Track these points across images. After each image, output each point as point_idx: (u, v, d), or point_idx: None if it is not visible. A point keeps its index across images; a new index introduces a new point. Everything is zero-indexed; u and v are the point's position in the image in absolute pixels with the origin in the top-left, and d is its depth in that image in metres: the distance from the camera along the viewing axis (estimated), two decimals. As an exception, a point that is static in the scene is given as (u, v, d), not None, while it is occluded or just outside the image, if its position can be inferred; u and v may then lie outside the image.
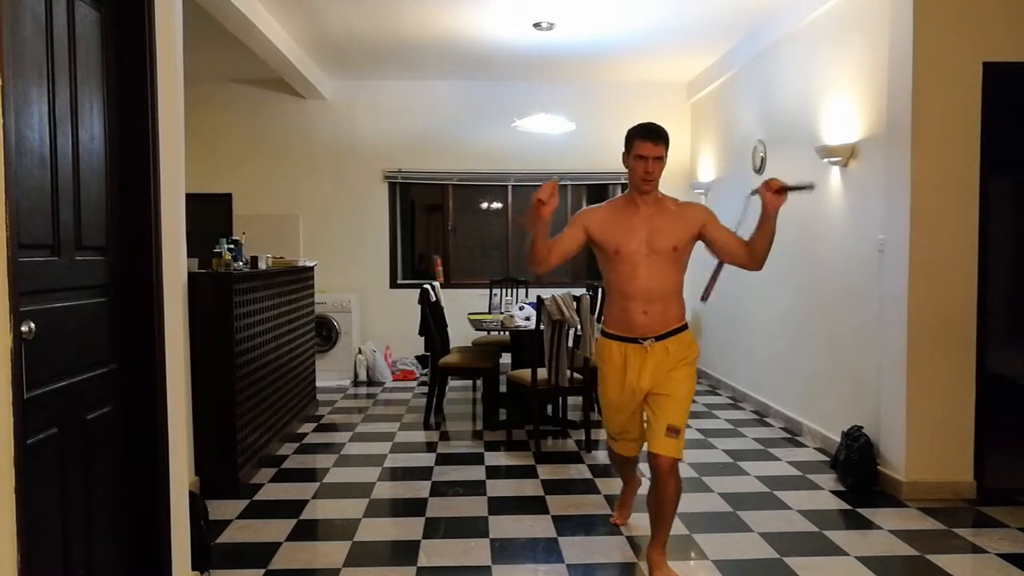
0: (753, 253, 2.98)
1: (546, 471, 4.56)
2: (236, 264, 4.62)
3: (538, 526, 3.61)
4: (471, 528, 3.65)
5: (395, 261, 8.21)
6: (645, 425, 3.16)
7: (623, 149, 3.06)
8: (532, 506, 3.94)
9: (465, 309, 7.19)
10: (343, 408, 6.41)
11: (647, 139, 3.00)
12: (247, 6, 5.10)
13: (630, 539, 3.50)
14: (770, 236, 2.93)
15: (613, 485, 4.28)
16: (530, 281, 7.41)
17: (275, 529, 3.64)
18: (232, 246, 4.67)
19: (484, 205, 8.43)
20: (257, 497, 4.12)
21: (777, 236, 2.94)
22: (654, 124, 3.05)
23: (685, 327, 3.09)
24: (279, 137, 7.95)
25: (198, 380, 4.05)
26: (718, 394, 6.88)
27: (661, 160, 3.00)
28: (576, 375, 5.08)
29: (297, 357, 5.64)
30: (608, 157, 7.43)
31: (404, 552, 3.38)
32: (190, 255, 3.98)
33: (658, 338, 3.02)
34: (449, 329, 6.35)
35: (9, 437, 1.78)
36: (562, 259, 3.07)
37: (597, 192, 8.24)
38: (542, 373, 4.94)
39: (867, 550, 3.38)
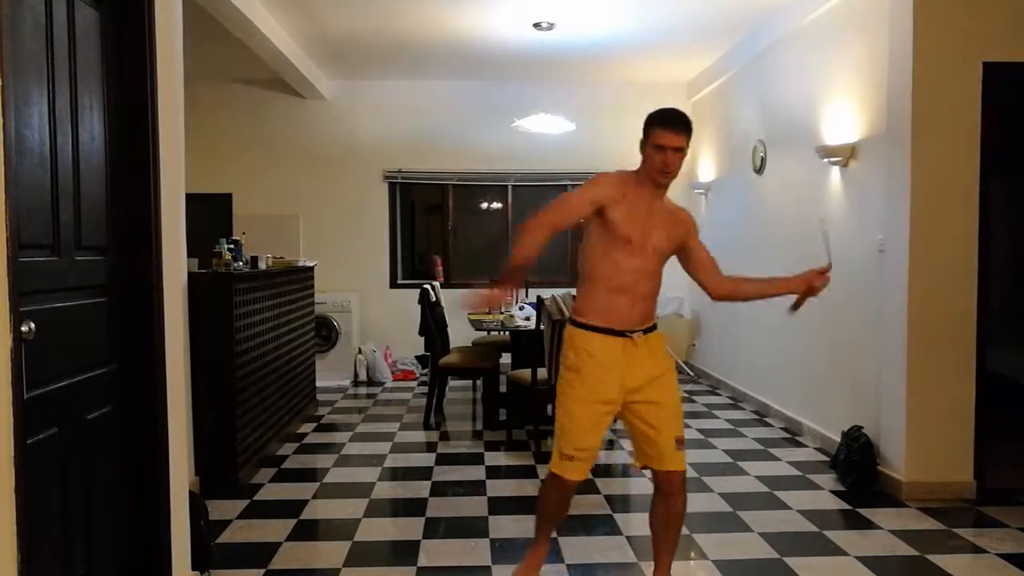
0: (737, 291, 2.87)
1: (546, 471, 4.52)
2: (236, 264, 4.62)
3: (538, 526, 3.60)
4: (471, 528, 3.65)
5: (395, 261, 8.21)
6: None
7: (642, 136, 2.69)
8: (532, 506, 3.92)
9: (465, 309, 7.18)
10: (343, 408, 6.41)
11: (669, 128, 2.61)
12: (247, 6, 5.10)
13: (630, 539, 3.50)
14: (768, 297, 2.90)
15: (613, 485, 4.28)
16: (529, 280, 7.40)
17: (275, 529, 3.64)
18: (232, 246, 4.67)
19: (484, 205, 8.42)
20: (257, 497, 4.12)
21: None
22: (678, 111, 2.68)
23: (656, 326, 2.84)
24: (279, 137, 7.94)
25: (198, 380, 4.04)
26: (718, 394, 6.87)
27: (682, 152, 2.63)
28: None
29: (297, 357, 5.64)
30: (608, 157, 7.38)
31: (404, 552, 3.38)
32: (190, 255, 3.97)
33: (645, 331, 2.75)
34: (449, 329, 6.35)
35: (9, 437, 1.79)
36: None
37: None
38: (542, 373, 4.93)
39: (867, 550, 3.38)
